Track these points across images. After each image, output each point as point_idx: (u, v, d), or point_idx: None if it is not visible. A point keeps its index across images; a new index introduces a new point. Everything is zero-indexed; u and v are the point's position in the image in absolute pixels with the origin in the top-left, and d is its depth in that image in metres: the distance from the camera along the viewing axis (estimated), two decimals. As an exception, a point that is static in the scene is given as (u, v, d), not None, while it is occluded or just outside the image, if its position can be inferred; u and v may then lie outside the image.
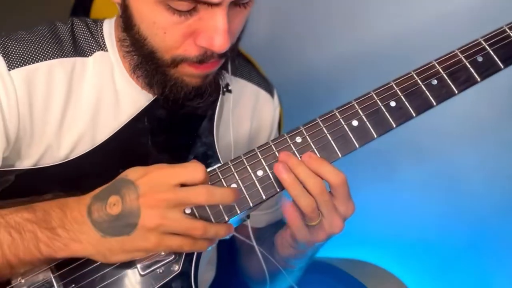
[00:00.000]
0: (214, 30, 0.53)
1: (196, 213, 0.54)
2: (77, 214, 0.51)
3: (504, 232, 1.09)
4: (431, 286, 1.16)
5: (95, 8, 1.04)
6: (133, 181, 0.51)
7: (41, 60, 0.59)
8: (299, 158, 0.56)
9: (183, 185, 0.51)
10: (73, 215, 0.51)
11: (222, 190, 0.52)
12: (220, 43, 0.53)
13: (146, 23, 0.55)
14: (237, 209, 0.56)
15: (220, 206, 0.55)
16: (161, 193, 0.50)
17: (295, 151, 0.57)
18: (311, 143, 0.58)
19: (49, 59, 0.60)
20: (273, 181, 0.57)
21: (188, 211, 0.53)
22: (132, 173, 0.52)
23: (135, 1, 0.55)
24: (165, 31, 0.55)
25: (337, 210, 0.55)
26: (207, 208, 0.55)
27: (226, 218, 0.56)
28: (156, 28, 0.55)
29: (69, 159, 0.60)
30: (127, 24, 0.58)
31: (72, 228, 0.51)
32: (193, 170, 0.51)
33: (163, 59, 0.57)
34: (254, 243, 0.60)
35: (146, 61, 0.59)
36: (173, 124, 0.63)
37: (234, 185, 0.56)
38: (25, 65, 0.58)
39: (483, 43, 0.59)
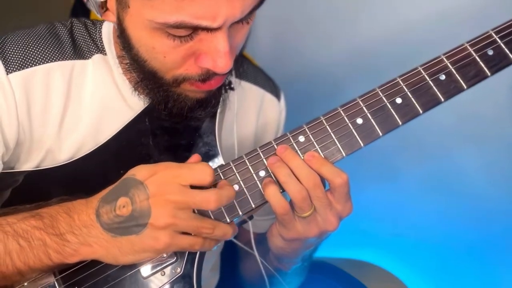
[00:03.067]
0: (216, 53, 0.52)
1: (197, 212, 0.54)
2: (86, 217, 0.51)
3: (505, 232, 1.08)
4: (431, 286, 1.16)
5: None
6: (141, 181, 0.50)
7: (40, 63, 0.59)
8: (302, 158, 0.55)
9: (191, 185, 0.51)
10: (81, 219, 0.51)
11: (228, 193, 0.52)
12: (222, 65, 0.52)
13: (145, 47, 0.54)
14: (239, 210, 0.55)
15: (222, 207, 0.55)
16: (171, 194, 0.49)
17: (298, 151, 0.56)
18: (314, 142, 0.56)
19: (48, 62, 0.59)
20: (275, 182, 0.56)
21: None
22: (140, 172, 0.51)
23: (132, 26, 0.53)
24: (165, 55, 0.54)
25: (332, 208, 0.54)
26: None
27: (228, 220, 0.55)
28: (155, 52, 0.54)
29: (71, 159, 0.60)
30: (125, 45, 0.57)
31: (81, 232, 0.51)
32: (201, 172, 0.51)
33: (164, 78, 0.57)
34: (255, 248, 0.60)
35: (147, 79, 0.58)
36: (174, 124, 0.62)
37: (236, 186, 0.55)
38: (23, 68, 0.58)
39: (494, 35, 0.57)
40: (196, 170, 0.51)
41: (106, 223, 0.50)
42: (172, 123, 0.62)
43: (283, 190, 0.55)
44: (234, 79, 0.69)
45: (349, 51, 1.09)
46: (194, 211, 0.53)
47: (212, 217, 0.54)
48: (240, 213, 0.55)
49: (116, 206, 0.50)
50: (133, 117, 0.61)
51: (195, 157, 0.56)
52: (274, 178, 0.55)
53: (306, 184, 0.53)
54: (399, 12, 1.03)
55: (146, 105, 0.62)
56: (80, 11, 1.00)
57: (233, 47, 0.54)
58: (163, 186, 0.50)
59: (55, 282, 0.54)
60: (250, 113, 0.73)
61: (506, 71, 0.57)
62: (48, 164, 0.60)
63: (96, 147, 0.60)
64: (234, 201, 0.55)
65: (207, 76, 0.55)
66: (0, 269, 0.50)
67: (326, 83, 1.11)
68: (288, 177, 0.53)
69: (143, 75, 0.58)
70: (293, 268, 0.65)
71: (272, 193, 0.54)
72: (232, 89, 0.66)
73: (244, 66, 0.73)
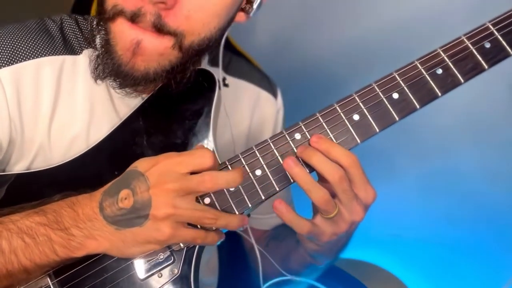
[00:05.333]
0: None
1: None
2: (89, 211, 0.51)
3: (505, 231, 1.08)
4: (431, 286, 1.15)
5: (95, 8, 1.02)
6: (142, 172, 0.50)
7: (29, 58, 0.58)
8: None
9: (193, 172, 0.50)
10: (85, 212, 0.51)
11: (226, 175, 0.51)
12: None
13: None
14: (235, 210, 0.55)
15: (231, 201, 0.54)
16: (170, 183, 0.49)
17: (294, 149, 0.55)
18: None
19: (38, 57, 0.58)
20: (272, 181, 0.55)
21: (207, 201, 0.53)
22: (141, 164, 0.51)
23: None
24: None
25: (357, 198, 0.53)
26: (217, 204, 0.54)
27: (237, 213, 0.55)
28: None
29: (64, 161, 0.59)
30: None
31: (85, 226, 0.51)
32: (200, 157, 0.50)
33: (105, 8, 0.54)
34: (254, 243, 0.59)
35: (103, 29, 0.55)
36: (169, 124, 0.62)
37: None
38: (13, 63, 0.57)
39: (491, 27, 0.57)
40: (195, 155, 0.51)
41: (109, 216, 0.50)
42: (167, 122, 0.61)
43: (282, 188, 0.55)
44: (224, 74, 0.68)
45: (350, 46, 1.09)
46: (198, 201, 0.53)
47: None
48: (237, 213, 0.55)
49: (119, 199, 0.50)
50: (126, 116, 0.61)
51: (200, 146, 0.56)
52: (271, 177, 0.55)
53: (331, 179, 0.52)
54: (400, 5, 1.03)
55: (139, 104, 0.61)
56: (80, 10, 0.99)
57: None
58: (163, 176, 0.49)
59: (51, 286, 0.53)
60: (244, 111, 0.72)
61: (506, 70, 0.56)
62: (40, 163, 0.60)
63: (89, 148, 0.60)
64: (231, 201, 0.54)
65: (139, 14, 0.52)
66: (6, 267, 0.50)
67: (327, 78, 1.11)
68: (311, 184, 0.52)
69: (103, 25, 0.55)
70: (326, 262, 0.65)
71: (291, 219, 0.53)
72: (226, 85, 0.66)
73: (239, 64, 0.73)
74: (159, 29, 0.52)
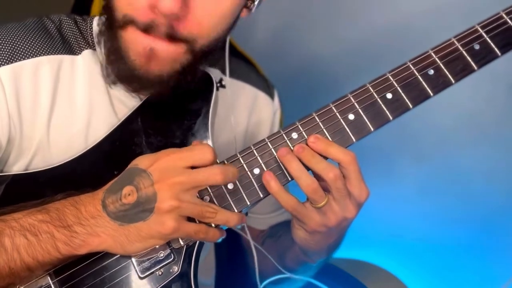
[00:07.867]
0: None
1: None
2: (92, 209, 0.51)
3: (504, 231, 1.08)
4: (431, 286, 1.16)
5: (95, 8, 1.03)
6: (144, 169, 0.51)
7: (28, 57, 0.58)
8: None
9: (193, 167, 0.51)
10: (88, 210, 0.51)
11: (232, 168, 0.53)
12: (166, 2, 0.51)
13: None
14: (234, 208, 0.56)
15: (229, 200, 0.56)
16: (175, 177, 0.50)
17: (292, 148, 0.57)
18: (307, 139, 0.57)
19: (36, 56, 0.59)
20: (275, 178, 0.56)
21: (206, 199, 0.55)
22: (142, 161, 0.52)
23: None
24: None
25: (351, 196, 0.55)
26: (216, 202, 0.55)
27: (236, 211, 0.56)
28: None
29: (63, 161, 0.60)
30: (106, 3, 0.57)
31: (88, 223, 0.51)
32: (201, 152, 0.51)
33: (116, 17, 0.55)
34: (251, 241, 0.60)
35: (111, 40, 0.57)
36: (167, 124, 0.62)
37: (230, 185, 0.56)
38: (12, 62, 0.57)
39: (480, 30, 0.58)
40: (196, 150, 0.52)
41: (112, 213, 0.51)
42: (165, 123, 0.62)
43: (292, 179, 0.56)
44: (223, 77, 0.69)
45: (349, 46, 1.10)
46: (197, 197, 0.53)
47: None
48: (236, 211, 0.56)
49: (122, 195, 0.50)
50: (125, 117, 0.61)
51: (197, 142, 0.56)
52: (283, 166, 0.56)
53: (326, 176, 0.53)
54: (399, 5, 1.04)
55: (138, 104, 0.62)
56: (80, 11, 1.00)
57: (191, 4, 0.53)
58: (166, 171, 0.50)
59: (52, 285, 0.54)
60: (241, 112, 0.73)
61: (505, 70, 0.58)
62: (39, 162, 0.60)
63: (88, 148, 0.60)
64: (230, 200, 0.55)
65: (152, 25, 0.54)
66: (9, 264, 0.50)
67: (326, 78, 1.11)
68: (299, 171, 0.54)
69: (111, 36, 0.57)
70: (318, 261, 0.65)
71: (276, 191, 0.54)
72: (223, 86, 0.67)
73: (237, 65, 0.74)
74: (172, 36, 0.54)
